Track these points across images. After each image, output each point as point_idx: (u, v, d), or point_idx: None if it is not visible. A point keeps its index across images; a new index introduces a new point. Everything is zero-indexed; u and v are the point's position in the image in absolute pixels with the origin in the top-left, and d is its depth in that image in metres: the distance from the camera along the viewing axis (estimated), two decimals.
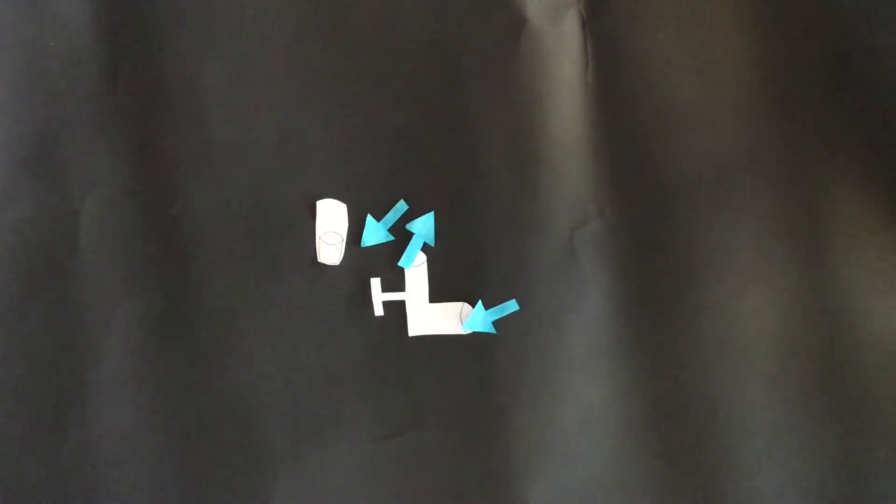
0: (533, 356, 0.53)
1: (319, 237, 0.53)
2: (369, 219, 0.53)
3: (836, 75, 0.53)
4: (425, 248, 0.54)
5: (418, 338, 0.54)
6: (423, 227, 0.53)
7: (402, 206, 0.53)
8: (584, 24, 0.53)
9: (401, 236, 0.54)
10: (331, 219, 0.53)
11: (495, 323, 0.53)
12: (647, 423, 0.54)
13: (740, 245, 0.53)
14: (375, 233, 0.53)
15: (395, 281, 0.54)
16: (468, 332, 0.53)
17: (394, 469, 0.54)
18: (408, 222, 0.53)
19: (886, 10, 0.51)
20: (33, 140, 0.52)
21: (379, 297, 0.53)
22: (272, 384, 0.53)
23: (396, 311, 0.54)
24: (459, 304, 0.53)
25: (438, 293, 0.54)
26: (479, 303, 0.53)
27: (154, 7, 0.52)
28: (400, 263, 0.53)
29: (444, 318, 0.53)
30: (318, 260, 0.53)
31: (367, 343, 0.54)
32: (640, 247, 0.54)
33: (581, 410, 0.54)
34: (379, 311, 0.53)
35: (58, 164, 0.53)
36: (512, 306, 0.53)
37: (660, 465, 0.54)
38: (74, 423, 0.53)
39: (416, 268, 0.54)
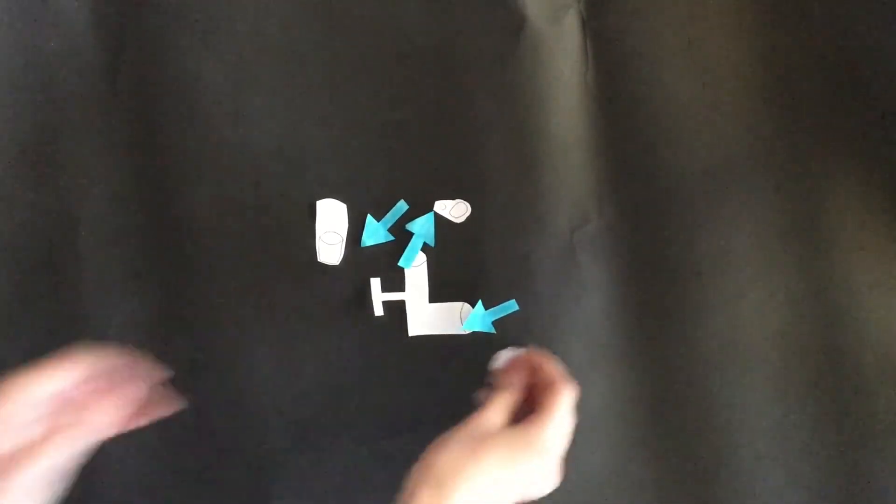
0: None
1: (319, 237, 0.53)
2: (369, 219, 0.53)
3: (836, 75, 0.53)
4: (425, 248, 0.54)
5: (418, 338, 0.54)
6: (423, 227, 0.53)
7: (402, 206, 0.53)
8: (584, 24, 0.53)
9: (401, 236, 0.54)
10: (331, 219, 0.53)
11: (495, 323, 0.53)
12: (647, 423, 0.54)
13: (740, 245, 0.53)
14: (375, 233, 0.53)
15: (395, 281, 0.54)
16: (468, 332, 0.53)
17: (394, 469, 0.54)
18: (408, 222, 0.53)
19: (886, 10, 0.51)
20: (33, 140, 0.52)
21: (379, 297, 0.53)
22: (272, 384, 0.53)
23: (396, 311, 0.54)
24: (459, 304, 0.53)
25: (438, 293, 0.54)
26: (479, 303, 0.53)
27: (154, 7, 0.52)
28: (400, 263, 0.53)
29: (444, 317, 0.53)
30: (318, 260, 0.53)
31: (367, 343, 0.54)
32: (640, 247, 0.54)
33: (581, 410, 0.54)
34: (379, 311, 0.53)
35: (58, 164, 0.53)
36: (512, 306, 0.53)
37: (660, 465, 0.54)
38: None
39: (416, 268, 0.54)
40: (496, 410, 0.45)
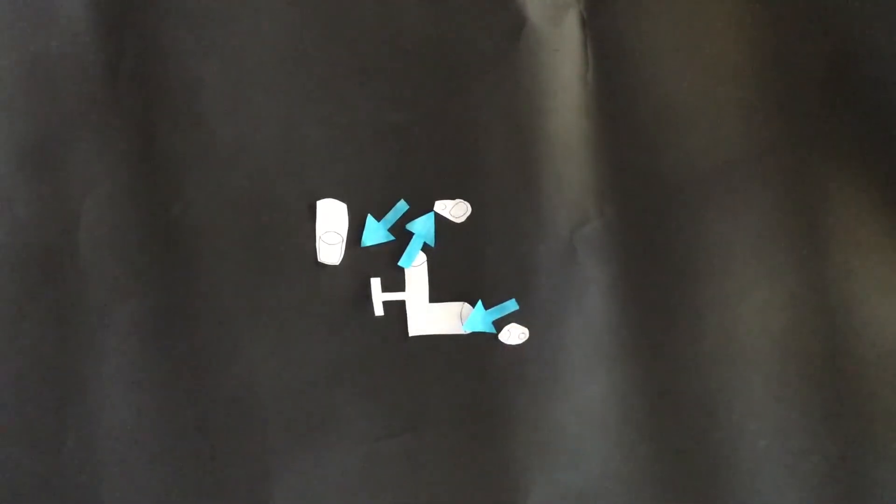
0: (533, 356, 0.53)
1: (319, 237, 0.53)
2: (369, 219, 0.53)
3: (835, 75, 0.53)
4: (425, 248, 0.54)
5: (418, 338, 0.54)
6: (423, 227, 0.53)
7: (402, 206, 0.53)
8: (584, 24, 0.53)
9: (401, 236, 0.54)
10: (331, 219, 0.53)
11: (495, 323, 0.53)
12: (647, 423, 0.54)
13: (740, 245, 0.53)
14: (375, 233, 0.53)
15: (395, 281, 0.54)
16: (468, 332, 0.53)
17: (394, 469, 0.54)
18: (408, 222, 0.53)
19: (886, 10, 0.51)
20: (33, 140, 0.52)
21: (379, 297, 0.53)
22: (272, 384, 0.53)
23: (396, 311, 0.54)
24: (459, 303, 0.53)
25: (438, 293, 0.54)
26: (479, 303, 0.53)
27: (154, 7, 0.52)
28: (400, 263, 0.53)
29: (444, 317, 0.53)
30: (318, 260, 0.53)
31: (367, 343, 0.54)
32: (640, 247, 0.54)
33: (581, 410, 0.54)
34: (379, 311, 0.53)
35: (58, 164, 0.53)
36: (512, 306, 0.53)
37: (660, 465, 0.54)
38: (74, 423, 0.53)
39: (416, 268, 0.54)
40: None
